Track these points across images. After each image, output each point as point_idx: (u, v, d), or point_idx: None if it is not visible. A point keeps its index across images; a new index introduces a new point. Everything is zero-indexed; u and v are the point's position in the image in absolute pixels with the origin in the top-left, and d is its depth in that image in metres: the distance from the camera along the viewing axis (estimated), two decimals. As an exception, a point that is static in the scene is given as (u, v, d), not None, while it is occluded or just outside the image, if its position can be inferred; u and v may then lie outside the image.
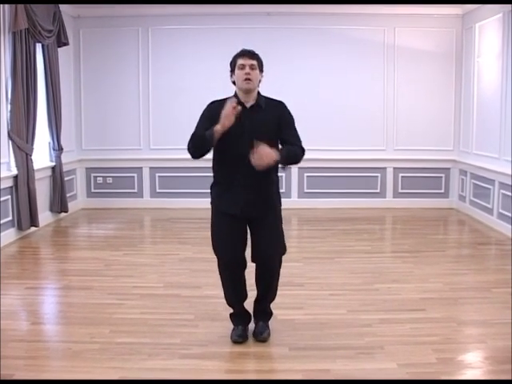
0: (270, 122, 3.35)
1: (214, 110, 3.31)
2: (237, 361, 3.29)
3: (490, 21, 6.96)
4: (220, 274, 3.52)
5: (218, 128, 3.17)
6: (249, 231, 3.46)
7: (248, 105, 3.36)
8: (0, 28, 5.88)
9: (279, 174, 3.50)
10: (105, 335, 3.60)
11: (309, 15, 7.81)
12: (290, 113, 3.44)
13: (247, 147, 3.21)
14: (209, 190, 3.49)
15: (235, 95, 3.39)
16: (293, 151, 3.34)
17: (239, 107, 3.17)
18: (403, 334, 3.62)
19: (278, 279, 3.56)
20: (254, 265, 3.48)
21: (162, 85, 8.02)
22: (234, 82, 3.39)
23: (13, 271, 5.09)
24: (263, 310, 3.61)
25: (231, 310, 3.63)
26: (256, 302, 3.62)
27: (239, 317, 3.60)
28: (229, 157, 3.33)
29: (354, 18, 7.84)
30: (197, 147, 3.30)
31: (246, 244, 3.45)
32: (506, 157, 6.47)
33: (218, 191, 3.43)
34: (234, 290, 3.54)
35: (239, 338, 3.49)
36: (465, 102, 7.83)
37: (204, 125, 3.31)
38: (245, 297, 3.60)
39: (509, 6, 6.32)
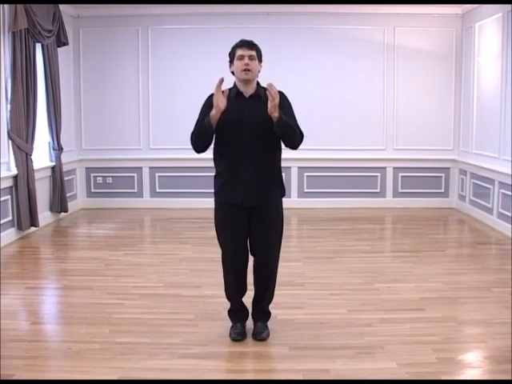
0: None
1: (212, 101, 3.35)
2: (237, 360, 3.29)
3: (490, 20, 6.96)
4: (223, 264, 3.54)
5: (213, 112, 3.21)
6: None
7: (247, 95, 3.37)
8: (0, 28, 5.88)
9: None
10: (105, 335, 3.60)
11: (308, 15, 7.81)
12: (288, 101, 3.44)
13: (248, 137, 3.24)
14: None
15: (234, 85, 3.41)
16: (292, 124, 3.33)
17: (226, 91, 3.21)
18: (403, 333, 3.62)
19: (275, 275, 3.58)
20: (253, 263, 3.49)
21: (161, 85, 8.02)
22: (232, 72, 3.41)
23: (13, 271, 5.09)
24: (262, 310, 3.62)
25: (229, 307, 3.64)
26: (254, 301, 3.62)
27: (237, 313, 3.61)
28: (230, 147, 3.35)
29: (353, 17, 7.83)
30: (198, 138, 3.36)
31: (247, 235, 3.46)
32: (506, 156, 6.47)
33: (220, 182, 3.45)
34: (234, 282, 3.54)
35: (238, 335, 3.50)
36: (465, 101, 7.83)
37: (204, 116, 3.36)
38: (244, 291, 3.60)
39: (509, 5, 6.31)
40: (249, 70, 3.30)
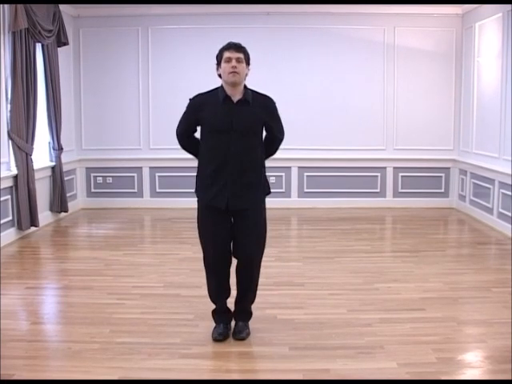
0: (257, 118, 3.37)
1: (196, 104, 3.43)
2: (237, 360, 3.30)
3: (490, 20, 6.96)
4: (205, 268, 3.55)
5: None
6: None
7: (235, 99, 3.36)
8: (0, 28, 5.88)
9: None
10: (105, 335, 3.60)
11: (308, 15, 7.81)
12: (275, 107, 3.48)
13: (234, 142, 3.26)
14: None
15: (222, 89, 3.39)
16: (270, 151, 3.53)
17: None
18: (403, 333, 3.62)
19: (258, 275, 3.58)
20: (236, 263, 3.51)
21: (161, 85, 8.02)
22: (220, 75, 3.40)
23: (13, 271, 5.09)
24: (243, 310, 3.61)
25: (213, 308, 3.63)
26: (236, 302, 3.62)
27: (221, 314, 3.61)
28: (216, 151, 3.36)
29: (353, 17, 7.84)
30: (186, 151, 3.59)
31: (230, 238, 3.47)
32: (506, 156, 6.47)
33: (204, 184, 3.47)
34: (217, 285, 3.55)
35: (220, 335, 3.50)
36: (465, 101, 7.83)
37: (186, 122, 3.48)
38: (228, 293, 3.60)
39: (509, 5, 6.32)
40: (236, 73, 3.29)
